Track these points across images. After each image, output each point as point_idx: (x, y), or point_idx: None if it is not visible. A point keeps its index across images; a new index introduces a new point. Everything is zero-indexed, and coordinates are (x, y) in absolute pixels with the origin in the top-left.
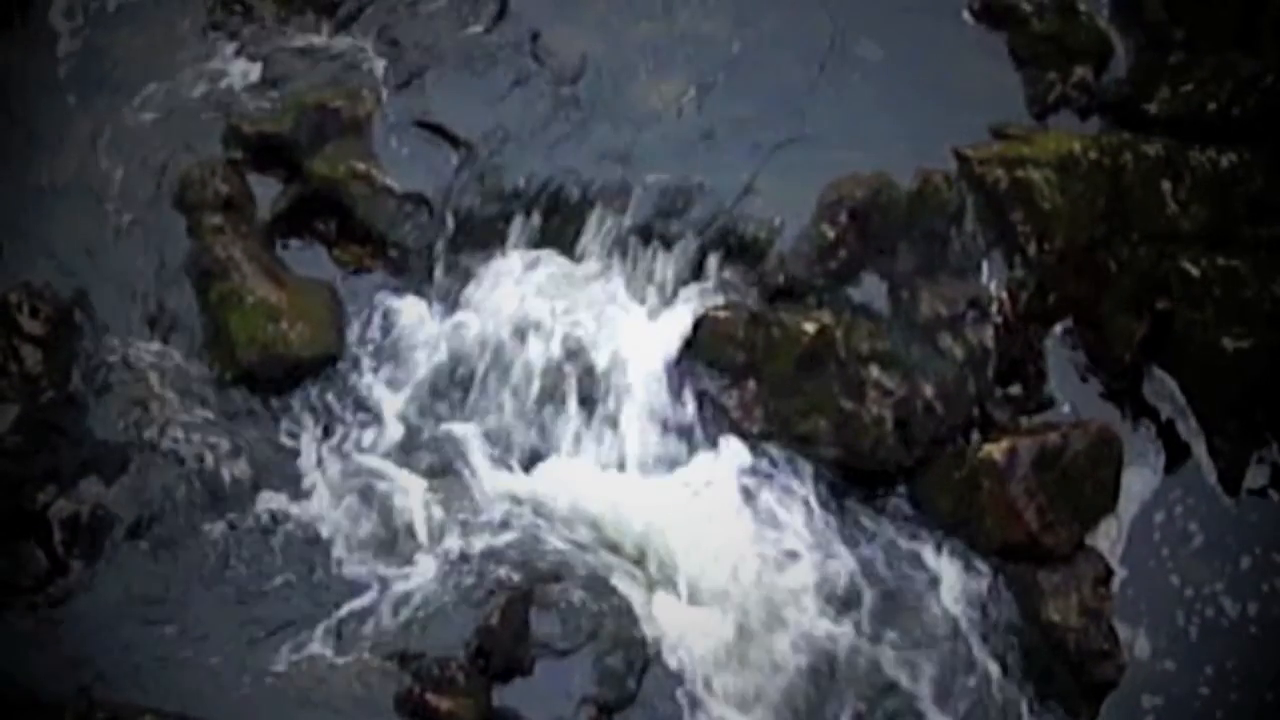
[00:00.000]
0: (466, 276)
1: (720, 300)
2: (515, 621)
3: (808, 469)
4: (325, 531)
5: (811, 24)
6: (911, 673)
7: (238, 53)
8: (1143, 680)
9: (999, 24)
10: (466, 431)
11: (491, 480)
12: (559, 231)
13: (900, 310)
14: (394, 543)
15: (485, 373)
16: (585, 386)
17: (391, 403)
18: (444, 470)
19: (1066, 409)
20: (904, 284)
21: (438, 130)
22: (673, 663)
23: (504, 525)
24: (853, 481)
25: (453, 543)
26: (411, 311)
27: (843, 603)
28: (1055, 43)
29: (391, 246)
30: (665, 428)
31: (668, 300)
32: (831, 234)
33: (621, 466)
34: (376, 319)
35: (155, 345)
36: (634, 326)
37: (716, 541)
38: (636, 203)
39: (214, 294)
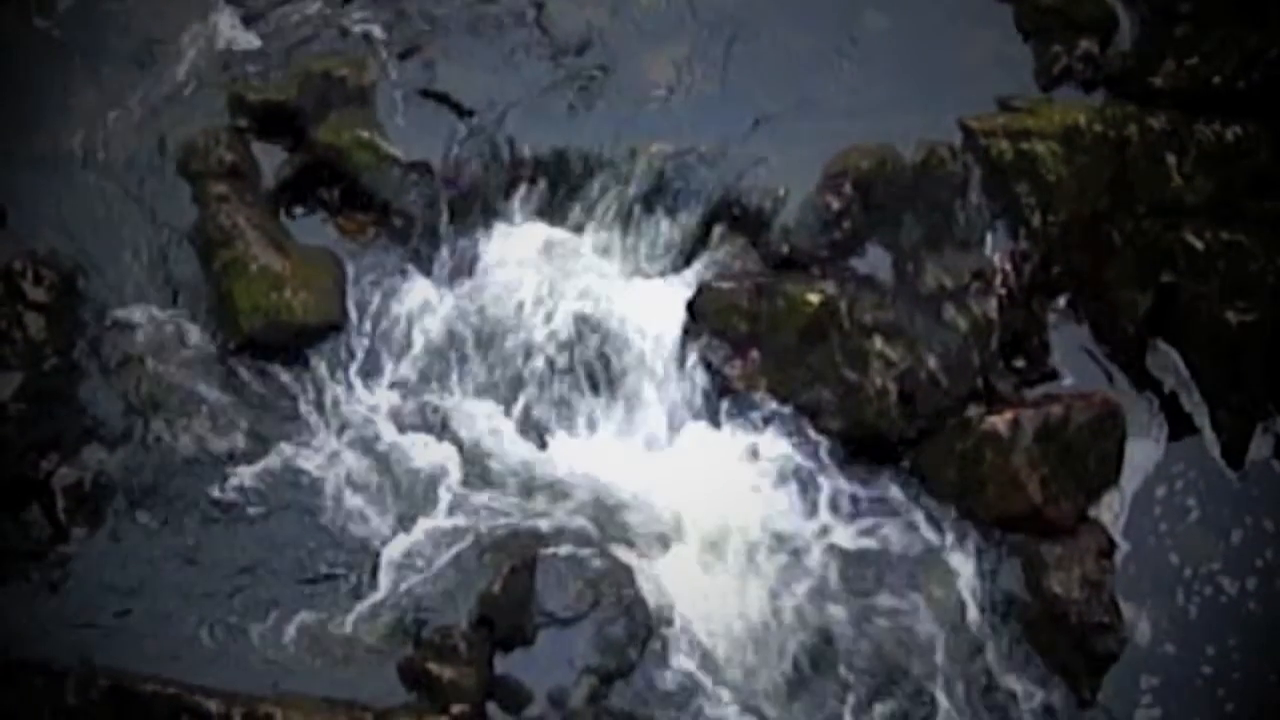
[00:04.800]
0: (470, 245)
1: (724, 270)
2: (518, 590)
3: (811, 439)
4: (327, 500)
5: None
6: (912, 641)
7: (243, 21)
8: (1142, 660)
9: None
10: (468, 400)
11: (493, 447)
12: (563, 201)
13: (904, 281)
14: (396, 511)
15: (488, 341)
16: (587, 356)
17: (394, 371)
18: (447, 438)
19: (1070, 381)
20: (908, 255)
21: (442, 99)
22: (675, 630)
23: (506, 493)
24: (856, 452)
25: (455, 510)
26: (415, 279)
27: (845, 571)
28: (1061, 15)
29: (395, 215)
30: (669, 397)
31: (671, 270)
32: (836, 205)
33: (624, 435)
34: (380, 287)
35: (159, 313)
36: (637, 296)
37: (719, 510)
38: (640, 172)
39: (218, 262)
